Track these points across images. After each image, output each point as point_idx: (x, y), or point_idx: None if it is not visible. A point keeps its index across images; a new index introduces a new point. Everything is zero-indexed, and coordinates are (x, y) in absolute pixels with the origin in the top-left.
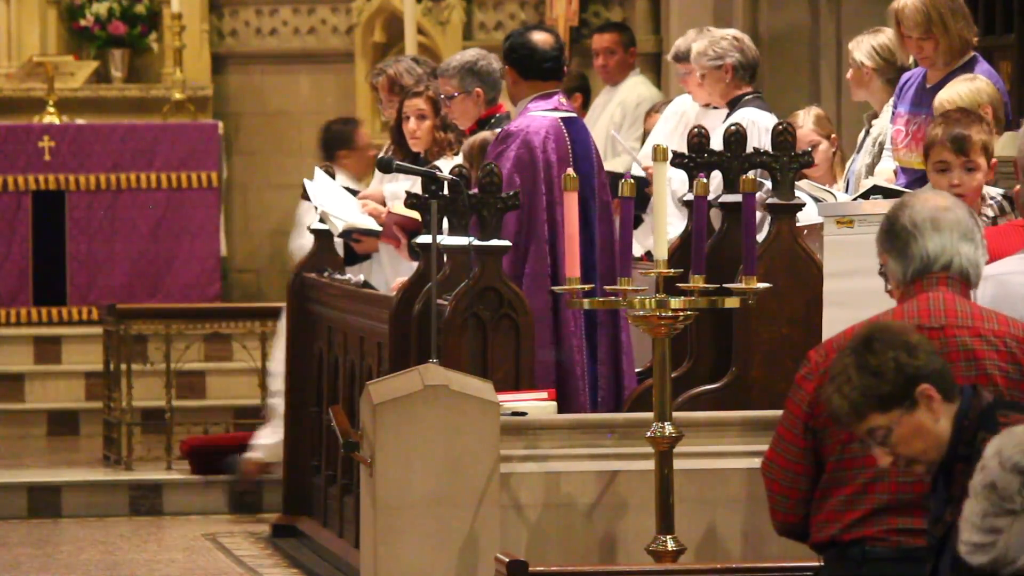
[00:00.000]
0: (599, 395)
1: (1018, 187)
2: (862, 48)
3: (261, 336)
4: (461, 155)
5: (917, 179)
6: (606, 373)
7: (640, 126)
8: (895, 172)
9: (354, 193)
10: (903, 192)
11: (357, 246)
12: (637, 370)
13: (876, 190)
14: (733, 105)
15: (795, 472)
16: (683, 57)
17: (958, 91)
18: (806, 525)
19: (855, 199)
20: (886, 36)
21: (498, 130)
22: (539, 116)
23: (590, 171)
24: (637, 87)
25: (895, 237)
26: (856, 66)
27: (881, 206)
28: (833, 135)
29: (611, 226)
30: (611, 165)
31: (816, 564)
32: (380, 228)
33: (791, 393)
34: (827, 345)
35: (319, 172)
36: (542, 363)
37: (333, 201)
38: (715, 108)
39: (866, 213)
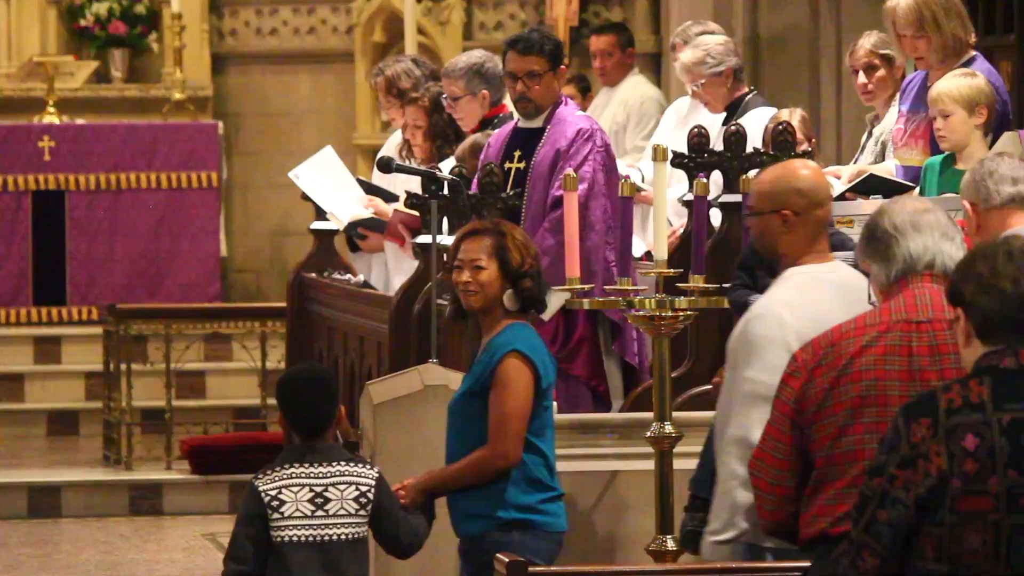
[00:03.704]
0: None
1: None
2: (883, 41)
3: (261, 336)
4: (455, 156)
5: (915, 177)
6: None
7: (646, 125)
8: (894, 170)
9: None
10: (899, 183)
11: (363, 243)
12: None
13: (872, 178)
14: (735, 107)
15: (782, 469)
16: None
17: (958, 85)
18: (794, 524)
19: (850, 188)
20: (876, 35)
21: (494, 131)
22: (584, 114)
23: None
24: (639, 87)
25: (877, 242)
26: (888, 62)
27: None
28: (813, 139)
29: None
30: None
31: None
32: (384, 220)
33: (778, 391)
34: (813, 343)
35: (319, 156)
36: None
37: (331, 193)
38: None
39: (866, 213)
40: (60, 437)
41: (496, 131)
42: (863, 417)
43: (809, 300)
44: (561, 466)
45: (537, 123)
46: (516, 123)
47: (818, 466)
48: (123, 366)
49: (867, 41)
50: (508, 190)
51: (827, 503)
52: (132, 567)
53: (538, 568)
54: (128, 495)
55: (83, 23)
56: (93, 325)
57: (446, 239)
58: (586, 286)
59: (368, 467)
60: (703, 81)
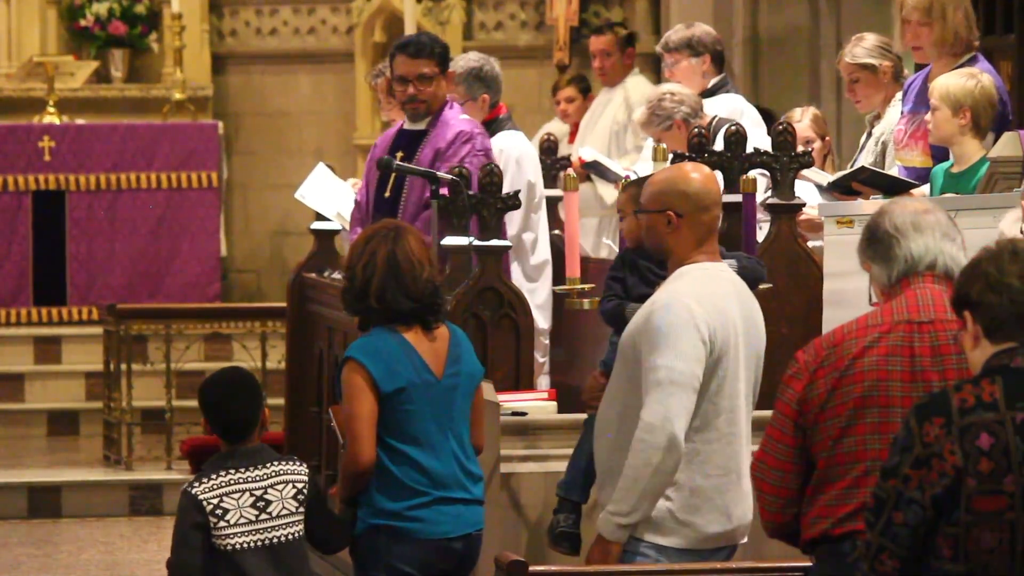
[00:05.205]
0: None
1: None
2: (863, 49)
3: (261, 336)
4: None
5: (917, 177)
6: None
7: None
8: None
9: None
10: (897, 179)
11: None
12: None
13: (864, 171)
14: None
15: (784, 471)
16: (673, 47)
17: (948, 83)
18: (796, 525)
19: (842, 177)
20: (873, 36)
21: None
22: (467, 118)
23: None
24: (640, 86)
25: (878, 243)
26: (869, 71)
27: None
28: (827, 137)
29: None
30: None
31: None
32: None
33: (779, 393)
34: (815, 344)
35: (315, 174)
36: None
37: (336, 203)
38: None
39: (866, 213)
40: (60, 437)
41: (384, 132)
42: (865, 418)
43: (710, 292)
44: (561, 466)
45: (421, 125)
46: (403, 124)
47: (820, 467)
48: (123, 366)
49: (847, 54)
50: (387, 191)
51: (829, 504)
52: (132, 567)
53: (538, 568)
54: (128, 495)
55: (83, 23)
56: (93, 325)
57: (447, 240)
58: (587, 286)
59: (298, 463)
60: (659, 137)
